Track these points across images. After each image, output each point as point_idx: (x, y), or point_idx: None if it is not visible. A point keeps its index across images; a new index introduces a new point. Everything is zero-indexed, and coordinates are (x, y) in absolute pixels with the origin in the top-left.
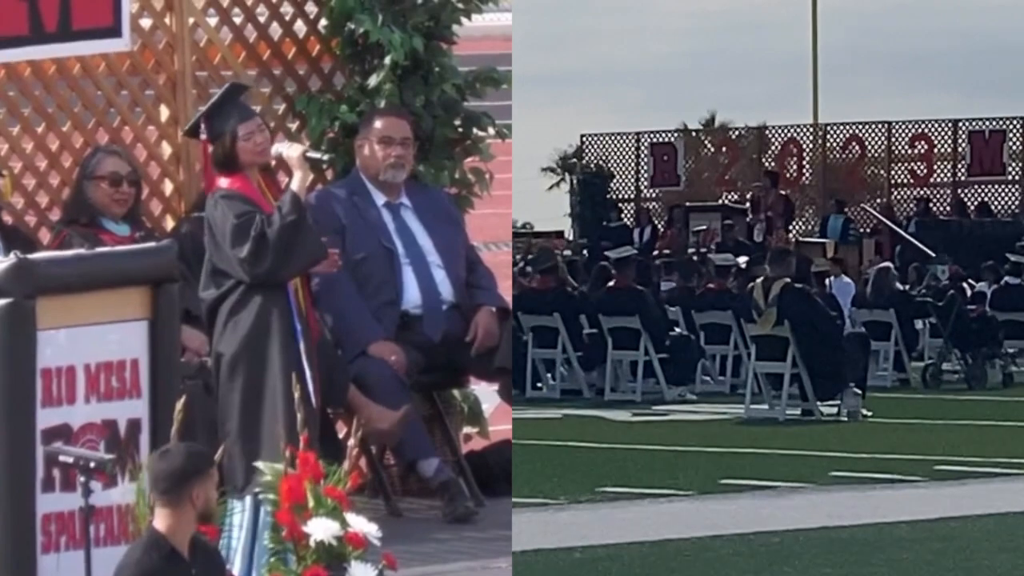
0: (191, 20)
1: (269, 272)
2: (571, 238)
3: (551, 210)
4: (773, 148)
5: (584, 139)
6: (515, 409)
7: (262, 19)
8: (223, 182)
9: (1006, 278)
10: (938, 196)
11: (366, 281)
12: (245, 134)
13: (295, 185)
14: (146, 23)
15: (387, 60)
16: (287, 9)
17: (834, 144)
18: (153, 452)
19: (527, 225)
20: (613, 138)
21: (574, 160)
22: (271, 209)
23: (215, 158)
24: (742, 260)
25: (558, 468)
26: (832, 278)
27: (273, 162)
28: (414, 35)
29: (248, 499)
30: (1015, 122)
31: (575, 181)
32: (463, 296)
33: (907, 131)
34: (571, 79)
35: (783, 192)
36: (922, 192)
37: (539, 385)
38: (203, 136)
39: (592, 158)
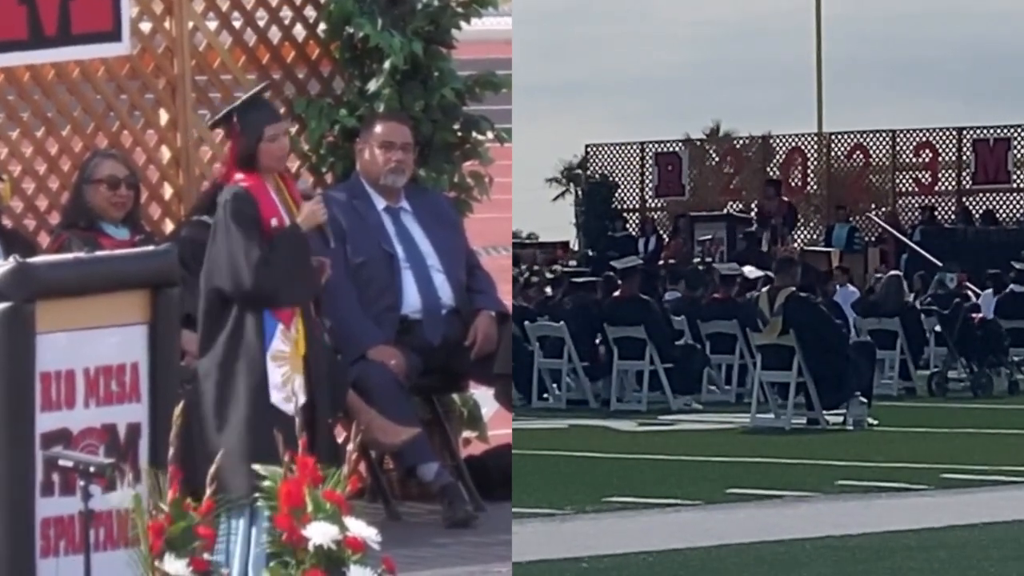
0: (190, 24)
1: (264, 303)
2: (576, 248)
3: (556, 221)
4: (777, 157)
5: (588, 149)
6: (521, 419)
7: (261, 23)
8: (239, 176)
9: (1011, 286)
10: (943, 204)
11: (366, 285)
12: (271, 135)
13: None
14: (146, 27)
15: (386, 64)
16: (286, 13)
17: (838, 153)
18: None
19: (532, 236)
20: (617, 148)
21: (579, 170)
22: (277, 212)
23: (236, 154)
24: (747, 269)
25: (564, 478)
26: (838, 287)
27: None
28: (413, 39)
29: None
30: (1020, 130)
31: (580, 191)
32: (463, 300)
33: (911, 139)
34: (574, 89)
35: (787, 200)
36: (927, 200)
37: (545, 395)
38: (235, 128)
39: (596, 168)
